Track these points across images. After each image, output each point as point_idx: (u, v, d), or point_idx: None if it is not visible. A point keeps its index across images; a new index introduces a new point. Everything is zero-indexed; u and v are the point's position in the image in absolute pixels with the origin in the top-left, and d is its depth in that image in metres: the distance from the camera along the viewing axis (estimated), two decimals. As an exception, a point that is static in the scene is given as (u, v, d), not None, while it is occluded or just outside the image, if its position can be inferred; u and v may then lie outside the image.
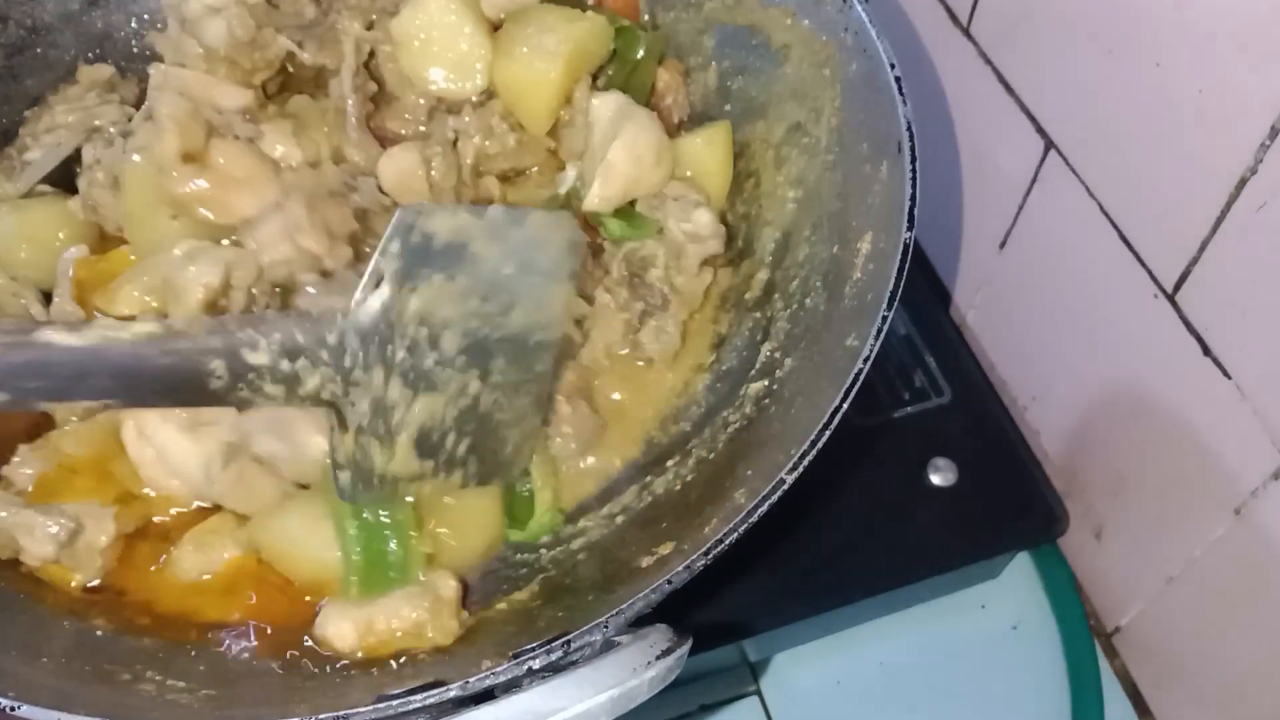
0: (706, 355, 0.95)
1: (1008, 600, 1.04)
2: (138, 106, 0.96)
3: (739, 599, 0.90)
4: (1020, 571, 1.05)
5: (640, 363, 0.93)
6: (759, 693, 1.00)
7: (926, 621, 1.02)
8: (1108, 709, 0.97)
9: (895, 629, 1.01)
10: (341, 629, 0.76)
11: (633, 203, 0.95)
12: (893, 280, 0.75)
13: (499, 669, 0.61)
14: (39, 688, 0.66)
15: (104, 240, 0.92)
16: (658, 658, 0.58)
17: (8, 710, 0.62)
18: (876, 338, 0.73)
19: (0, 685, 0.63)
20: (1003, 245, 1.06)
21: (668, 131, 0.97)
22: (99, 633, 0.78)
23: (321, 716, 0.61)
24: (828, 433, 0.70)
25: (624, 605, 0.65)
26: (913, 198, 0.77)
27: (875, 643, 1.01)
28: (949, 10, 1.04)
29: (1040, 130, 0.95)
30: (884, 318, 0.73)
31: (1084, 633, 1.00)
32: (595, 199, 0.92)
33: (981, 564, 0.99)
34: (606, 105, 0.93)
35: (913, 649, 1.01)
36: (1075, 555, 1.05)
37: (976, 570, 1.00)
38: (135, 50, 1.04)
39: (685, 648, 0.60)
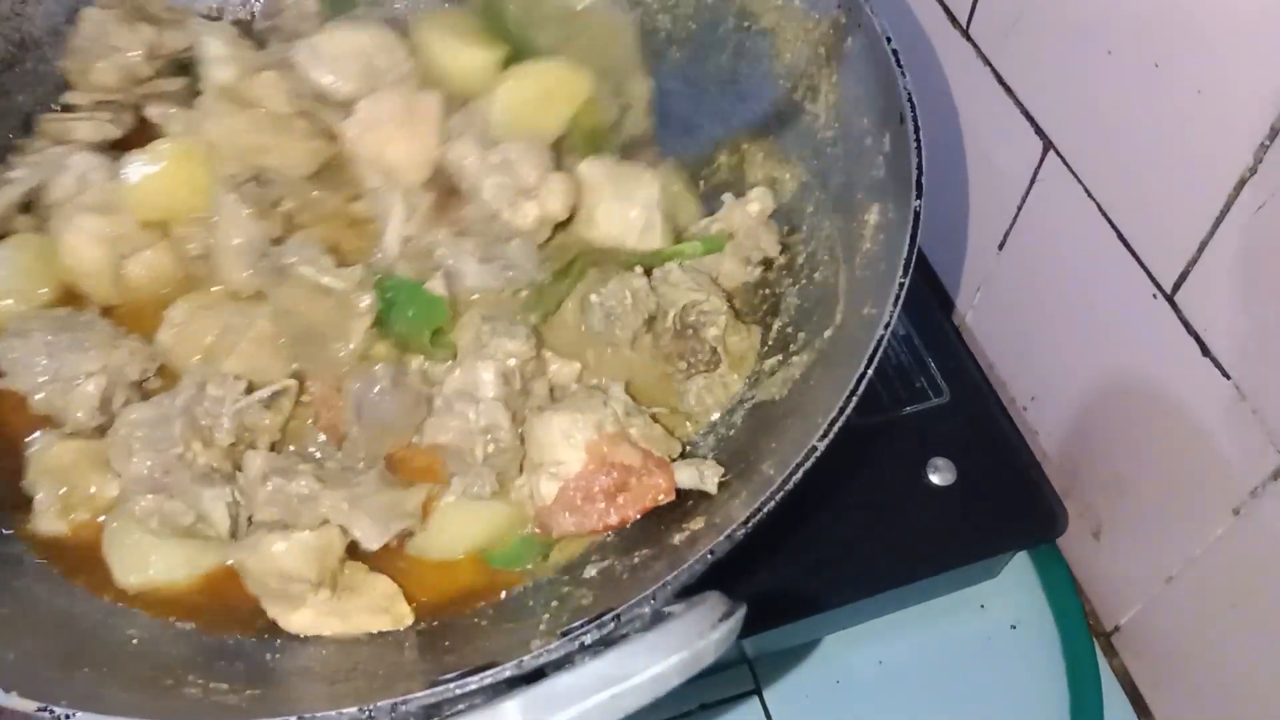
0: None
1: (1007, 600, 1.04)
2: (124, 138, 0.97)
3: (738, 599, 0.90)
4: (1019, 571, 1.05)
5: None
6: (759, 692, 1.00)
7: (926, 621, 1.02)
8: (1107, 709, 0.97)
9: (895, 629, 1.01)
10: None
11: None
12: (907, 247, 0.75)
13: (551, 647, 0.62)
14: (87, 696, 0.65)
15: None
16: (720, 620, 0.59)
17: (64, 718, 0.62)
18: (895, 304, 0.73)
19: (50, 694, 0.63)
20: (1002, 246, 1.06)
21: None
22: (134, 641, 0.78)
23: (380, 702, 0.61)
24: (855, 399, 0.70)
25: (669, 577, 0.65)
26: (919, 166, 0.78)
27: (875, 643, 1.01)
28: (948, 11, 1.04)
29: (1039, 131, 0.95)
30: (901, 285, 0.74)
31: (1083, 632, 1.01)
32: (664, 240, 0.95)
33: (981, 564, 0.99)
34: (595, 169, 0.95)
35: (912, 649, 1.01)
36: (1074, 555, 1.06)
37: (976, 570, 1.00)
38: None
39: (742, 611, 0.60)
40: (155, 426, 0.82)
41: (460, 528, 0.84)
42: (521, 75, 0.97)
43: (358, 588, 0.80)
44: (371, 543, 0.80)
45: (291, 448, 0.87)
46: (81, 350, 0.85)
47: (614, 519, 0.81)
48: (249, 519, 0.82)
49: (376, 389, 0.84)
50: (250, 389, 0.84)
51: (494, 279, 0.90)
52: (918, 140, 0.79)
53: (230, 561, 0.81)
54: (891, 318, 0.72)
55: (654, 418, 0.87)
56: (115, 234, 0.90)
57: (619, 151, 0.99)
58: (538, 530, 0.83)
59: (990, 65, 0.99)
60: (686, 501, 0.82)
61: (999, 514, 0.97)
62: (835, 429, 0.69)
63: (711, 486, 0.81)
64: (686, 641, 0.57)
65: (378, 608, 0.80)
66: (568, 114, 0.98)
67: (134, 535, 0.81)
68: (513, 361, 0.84)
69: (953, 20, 1.04)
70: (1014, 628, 1.04)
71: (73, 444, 0.84)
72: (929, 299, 1.10)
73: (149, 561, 0.81)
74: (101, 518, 0.83)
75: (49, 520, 0.83)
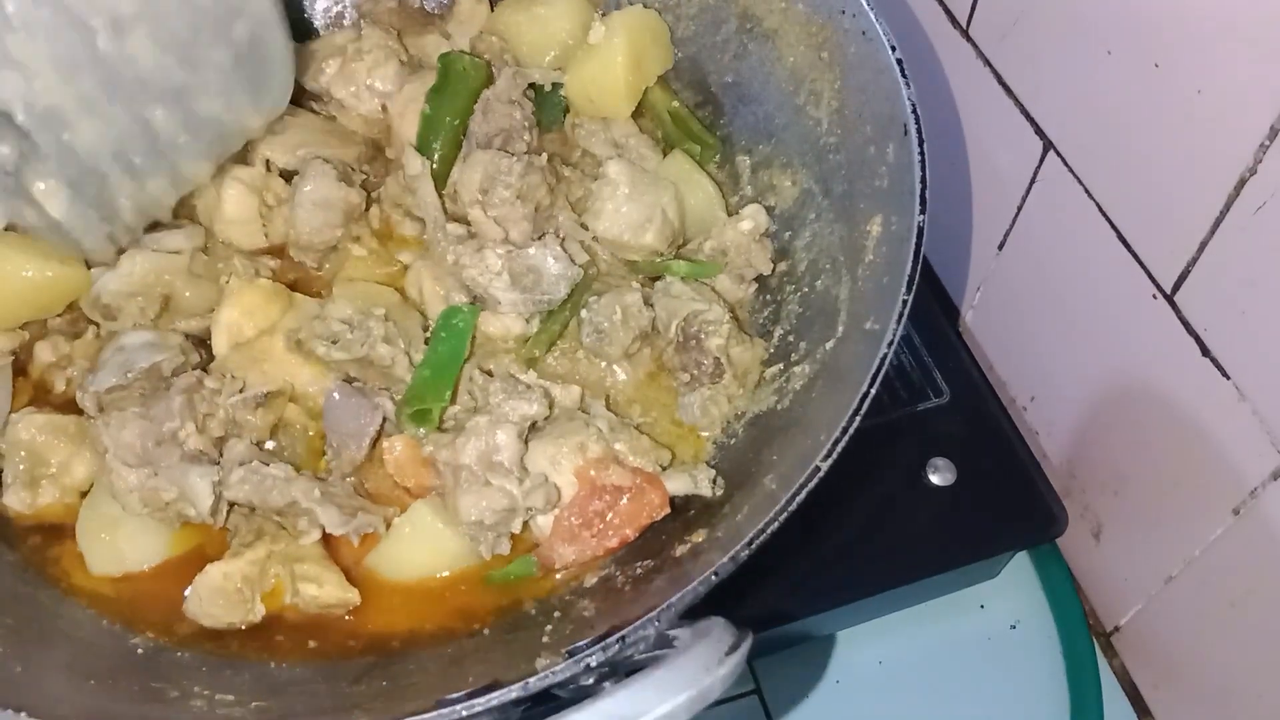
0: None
1: (1007, 600, 1.05)
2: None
3: (738, 598, 0.90)
4: (1019, 571, 1.05)
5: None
6: (759, 692, 1.00)
7: (926, 621, 1.02)
8: (1107, 709, 0.97)
9: (895, 629, 1.01)
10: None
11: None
12: (909, 264, 0.74)
13: (557, 668, 0.61)
14: (92, 710, 0.65)
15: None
16: (726, 654, 0.58)
17: None
18: (898, 321, 0.72)
19: (56, 710, 0.63)
20: (1002, 246, 1.06)
21: None
22: (139, 650, 0.78)
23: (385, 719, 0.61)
24: (858, 418, 0.69)
25: (674, 599, 0.65)
26: (923, 180, 0.77)
27: (875, 643, 1.01)
28: (948, 11, 1.04)
29: (1039, 131, 0.95)
30: (904, 301, 0.73)
31: (1083, 632, 1.01)
32: (658, 240, 0.95)
33: (981, 564, 0.99)
34: (619, 167, 0.95)
35: (912, 649, 1.01)
36: (1074, 555, 1.06)
37: (976, 570, 1.00)
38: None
39: (748, 642, 0.60)
40: (153, 401, 0.83)
41: (411, 553, 0.83)
42: (633, 12, 1.01)
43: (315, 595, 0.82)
44: (335, 528, 0.80)
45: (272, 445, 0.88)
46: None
47: (613, 542, 0.80)
48: (228, 506, 0.83)
49: (335, 395, 0.85)
50: (243, 389, 0.85)
51: (525, 305, 0.90)
52: (922, 153, 0.78)
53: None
54: (895, 335, 0.72)
55: (639, 429, 0.87)
56: (260, 185, 0.95)
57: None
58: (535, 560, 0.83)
59: (990, 65, 0.99)
60: (688, 512, 0.81)
61: (999, 514, 0.97)
62: (839, 448, 0.69)
63: (706, 489, 0.81)
64: (694, 679, 0.56)
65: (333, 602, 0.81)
66: (659, 69, 1.02)
67: (107, 522, 0.82)
68: (527, 422, 0.83)
69: (953, 20, 1.04)
70: (1014, 628, 1.04)
71: (40, 417, 0.85)
72: (929, 300, 1.10)
73: (122, 551, 0.82)
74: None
75: (15, 496, 0.84)
